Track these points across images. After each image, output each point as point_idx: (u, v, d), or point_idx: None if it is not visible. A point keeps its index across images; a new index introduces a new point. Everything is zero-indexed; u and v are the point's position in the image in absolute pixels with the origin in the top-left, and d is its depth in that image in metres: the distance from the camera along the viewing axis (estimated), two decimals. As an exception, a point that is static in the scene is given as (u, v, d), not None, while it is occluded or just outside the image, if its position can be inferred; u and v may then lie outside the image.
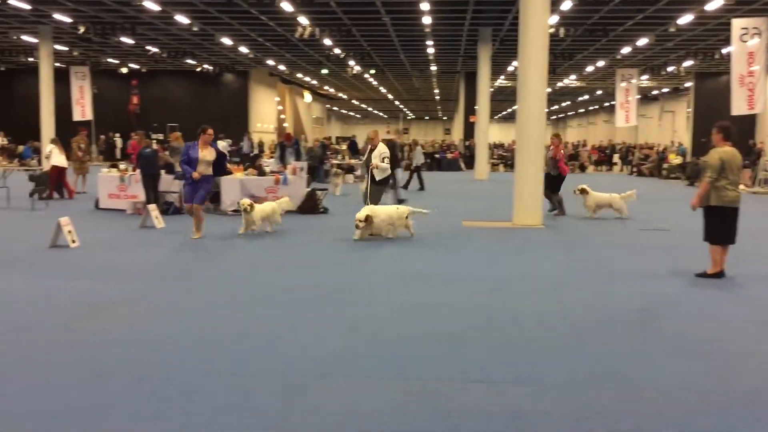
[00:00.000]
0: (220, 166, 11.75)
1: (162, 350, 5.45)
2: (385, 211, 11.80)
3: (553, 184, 15.53)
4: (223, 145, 28.58)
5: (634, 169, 36.27)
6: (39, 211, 15.49)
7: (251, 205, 11.88)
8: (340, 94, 61.08)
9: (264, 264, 9.44)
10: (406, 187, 23.56)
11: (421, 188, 23.08)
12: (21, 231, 12.32)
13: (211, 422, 4.07)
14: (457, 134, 51.46)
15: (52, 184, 17.60)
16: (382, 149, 12.75)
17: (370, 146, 13.10)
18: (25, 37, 30.79)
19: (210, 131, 11.48)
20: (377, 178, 12.71)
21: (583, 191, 15.24)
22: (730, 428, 4.09)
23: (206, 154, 11.29)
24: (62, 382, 4.71)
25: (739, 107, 18.94)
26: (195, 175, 11.07)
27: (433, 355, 5.39)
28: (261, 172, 16.34)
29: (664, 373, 5.06)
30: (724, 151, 8.51)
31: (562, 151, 15.54)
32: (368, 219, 11.38)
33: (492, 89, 36.42)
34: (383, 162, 12.55)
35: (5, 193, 16.63)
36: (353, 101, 67.63)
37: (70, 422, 4.03)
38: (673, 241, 11.77)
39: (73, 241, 10.48)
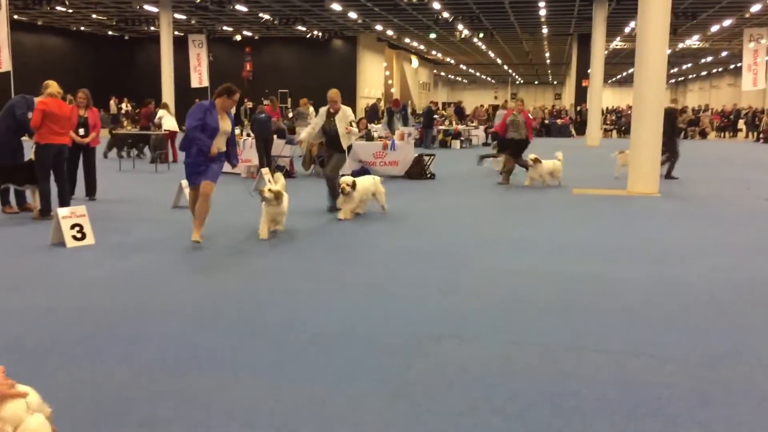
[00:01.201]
0: (231, 140, 8.46)
1: (283, 306, 5.66)
2: (362, 184, 10.21)
3: (518, 149, 14.70)
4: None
5: (761, 136, 34.06)
6: (162, 173, 16.34)
7: (279, 195, 8.51)
8: (448, 59, 60.41)
9: (374, 228, 9.58)
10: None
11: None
12: (147, 193, 13.03)
13: (337, 374, 4.21)
14: (568, 99, 49.94)
15: (167, 148, 18.51)
16: (348, 113, 10.79)
17: (330, 109, 10.73)
18: (146, 7, 32.22)
19: (237, 96, 8.34)
20: (344, 145, 10.73)
21: (536, 161, 14.35)
22: None
23: (227, 125, 8.25)
24: (194, 327, 5.00)
25: None
26: (213, 150, 8.08)
27: (546, 322, 5.32)
28: (369, 138, 16.49)
29: (795, 351, 4.78)
30: None
31: (530, 115, 14.58)
32: (355, 184, 9.99)
33: (606, 52, 34.96)
34: (352, 126, 10.73)
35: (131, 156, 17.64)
36: (461, 66, 66.75)
37: (193, 366, 4.27)
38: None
39: (194, 203, 11.00)
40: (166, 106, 19.90)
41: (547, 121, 39.18)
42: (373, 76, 46.35)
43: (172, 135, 18.97)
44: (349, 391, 3.99)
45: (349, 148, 11.04)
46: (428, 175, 15.77)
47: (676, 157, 15.95)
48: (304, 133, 11.41)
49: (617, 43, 43.49)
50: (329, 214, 10.57)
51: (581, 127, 34.95)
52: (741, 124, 39.40)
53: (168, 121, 19.00)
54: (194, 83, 32.88)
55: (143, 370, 4.27)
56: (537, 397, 3.95)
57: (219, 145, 8.17)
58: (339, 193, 10.13)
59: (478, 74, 76.00)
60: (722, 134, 38.89)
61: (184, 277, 6.66)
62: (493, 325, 5.26)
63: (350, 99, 40.37)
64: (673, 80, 76.86)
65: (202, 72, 33.26)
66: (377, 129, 19.80)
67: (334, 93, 10.98)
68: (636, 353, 4.68)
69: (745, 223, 10.24)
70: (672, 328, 5.22)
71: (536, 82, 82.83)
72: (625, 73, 62.98)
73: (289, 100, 40.71)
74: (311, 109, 22.58)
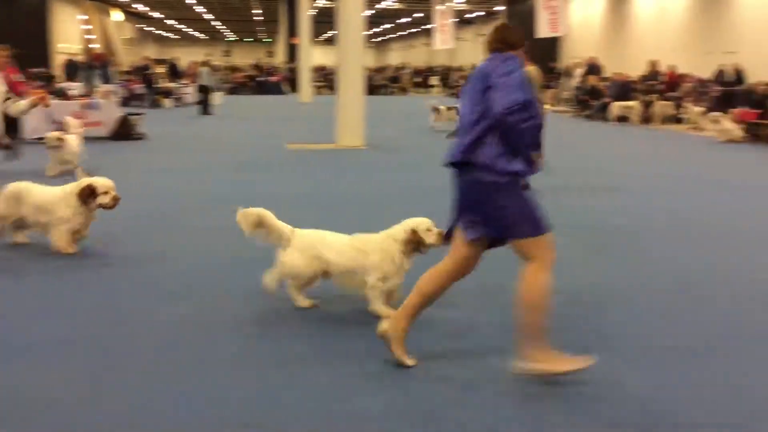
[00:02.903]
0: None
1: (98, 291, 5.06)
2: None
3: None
4: None
5: (453, 92, 37.73)
6: None
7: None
8: (154, 14, 57.28)
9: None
10: (206, 112, 22.02)
11: (206, 112, 21.97)
12: None
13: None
14: (280, 57, 50.48)
15: None
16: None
17: None
18: None
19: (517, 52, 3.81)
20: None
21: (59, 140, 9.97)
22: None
23: None
24: None
25: (543, 30, 20.13)
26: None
27: (233, 273, 5.43)
28: (65, 96, 15.15)
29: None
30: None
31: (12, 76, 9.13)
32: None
33: (315, 11, 35.88)
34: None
35: None
36: (168, 21, 63.73)
37: None
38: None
39: None
40: None
41: (260, 79, 39.26)
42: (70, 29, 42.32)
43: None
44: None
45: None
46: (136, 136, 14.98)
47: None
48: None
49: (324, 2, 44.77)
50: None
51: (294, 84, 35.62)
52: (435, 80, 43.24)
53: None
54: None
55: None
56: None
57: None
58: None
59: (190, 31, 73.29)
60: (419, 90, 42.35)
61: None
62: (186, 279, 5.25)
63: (43, 53, 36.49)
64: (377, 39, 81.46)
65: None
66: (76, 87, 18.22)
67: None
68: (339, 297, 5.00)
69: (441, 169, 11.35)
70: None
71: (250, 40, 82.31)
72: (331, 33, 65.22)
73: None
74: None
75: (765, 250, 6.49)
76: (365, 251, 4.43)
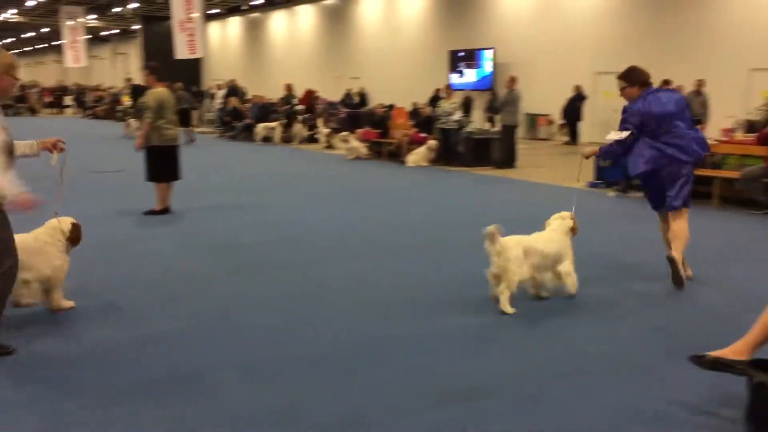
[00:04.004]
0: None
1: None
2: None
3: None
4: None
5: (89, 112, 35.41)
6: None
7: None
8: None
9: None
10: None
11: None
12: None
13: None
14: None
15: None
16: None
17: None
18: None
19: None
20: None
21: None
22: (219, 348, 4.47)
23: None
24: None
25: (181, 51, 20.04)
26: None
27: None
28: None
29: (125, 302, 5.20)
30: (159, 92, 8.95)
31: None
32: None
33: None
34: None
35: None
36: None
37: None
38: (123, 182, 11.97)
39: None
40: None
41: None
42: None
43: None
44: None
45: None
46: None
47: None
48: None
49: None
50: None
51: None
52: (69, 100, 40.15)
53: None
54: None
55: None
56: None
57: None
58: None
59: None
60: (52, 110, 38.96)
61: None
62: None
63: None
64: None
65: None
66: None
67: None
68: None
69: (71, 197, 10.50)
70: None
71: None
72: (-61, 44, 56.68)
73: None
74: None
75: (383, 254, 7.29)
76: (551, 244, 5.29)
